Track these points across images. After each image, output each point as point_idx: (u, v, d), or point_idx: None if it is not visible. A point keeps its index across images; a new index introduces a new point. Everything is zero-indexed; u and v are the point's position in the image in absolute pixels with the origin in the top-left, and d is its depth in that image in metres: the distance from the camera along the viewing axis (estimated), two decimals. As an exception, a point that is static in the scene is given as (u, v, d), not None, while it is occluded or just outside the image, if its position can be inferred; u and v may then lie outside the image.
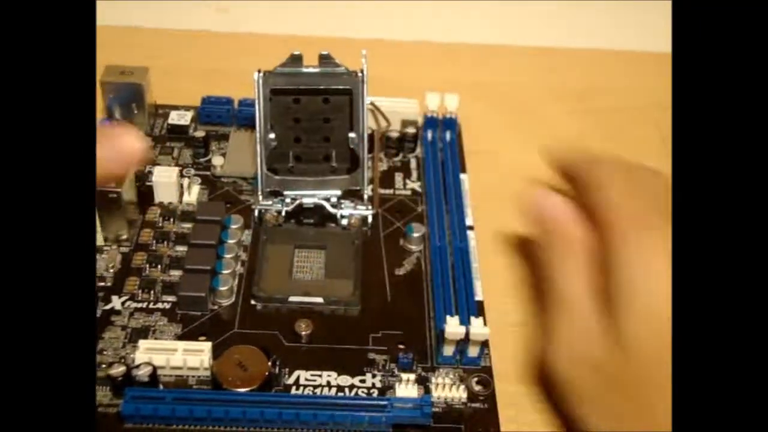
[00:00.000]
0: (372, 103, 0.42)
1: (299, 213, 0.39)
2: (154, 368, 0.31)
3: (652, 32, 0.51)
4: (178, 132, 0.43)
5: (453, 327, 0.32)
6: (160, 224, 0.38)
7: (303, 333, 0.34)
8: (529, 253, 0.38)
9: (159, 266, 0.36)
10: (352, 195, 0.39)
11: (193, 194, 0.39)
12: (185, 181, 0.40)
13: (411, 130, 0.43)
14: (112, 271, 0.36)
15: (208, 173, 0.41)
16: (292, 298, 0.35)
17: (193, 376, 0.32)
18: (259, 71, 0.37)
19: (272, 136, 0.37)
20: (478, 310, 0.34)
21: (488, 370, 0.33)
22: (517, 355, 0.35)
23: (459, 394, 0.32)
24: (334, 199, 0.39)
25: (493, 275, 0.37)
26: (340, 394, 0.32)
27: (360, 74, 0.37)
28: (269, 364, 0.32)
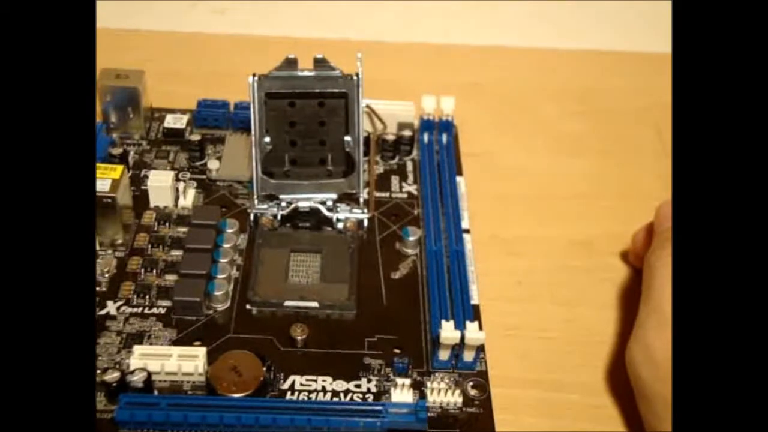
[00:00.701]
0: (368, 106, 0.42)
1: (295, 217, 0.38)
2: (149, 374, 0.31)
3: (651, 33, 0.51)
4: (173, 135, 0.43)
5: (448, 331, 0.32)
6: (156, 228, 0.38)
7: (298, 338, 0.33)
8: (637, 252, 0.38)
9: (154, 271, 0.36)
10: (348, 198, 0.39)
11: (188, 198, 0.39)
12: (181, 185, 0.40)
13: (407, 132, 0.43)
14: (107, 275, 0.36)
15: (203, 177, 0.41)
16: (287, 303, 0.35)
17: (188, 382, 0.32)
18: (253, 75, 0.37)
19: (268, 139, 0.37)
20: (474, 314, 0.34)
21: (484, 375, 0.33)
22: (512, 359, 0.35)
23: (454, 398, 0.32)
24: (329, 203, 0.38)
25: (489, 278, 0.37)
26: (336, 399, 0.32)
27: (355, 77, 0.37)
28: (264, 369, 0.32)
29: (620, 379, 0.34)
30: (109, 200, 0.35)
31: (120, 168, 0.36)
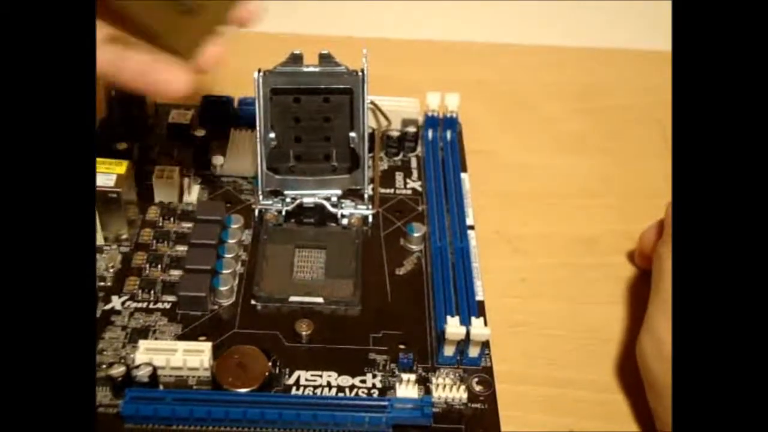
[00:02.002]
0: (372, 102, 0.42)
1: (300, 212, 0.38)
2: (154, 368, 0.31)
3: (655, 30, 0.50)
4: (178, 131, 0.43)
5: (454, 327, 0.32)
6: (161, 224, 0.38)
7: (303, 333, 0.33)
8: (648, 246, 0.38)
9: (159, 266, 0.36)
10: (353, 194, 0.39)
11: (193, 194, 0.39)
12: (185, 181, 0.40)
13: (411, 129, 0.43)
14: (112, 271, 0.36)
15: (208, 172, 0.41)
16: (292, 298, 0.35)
17: (194, 377, 0.32)
18: (259, 71, 0.37)
19: (272, 135, 0.37)
20: (479, 310, 0.34)
21: (489, 371, 0.33)
22: (517, 356, 0.35)
23: (459, 394, 0.32)
24: (334, 199, 0.38)
25: (493, 275, 0.37)
26: (341, 394, 0.32)
27: (360, 73, 0.37)
28: (269, 364, 0.32)
29: (625, 376, 0.35)
30: (114, 195, 0.35)
31: (125, 163, 0.36)
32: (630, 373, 0.34)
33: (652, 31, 0.50)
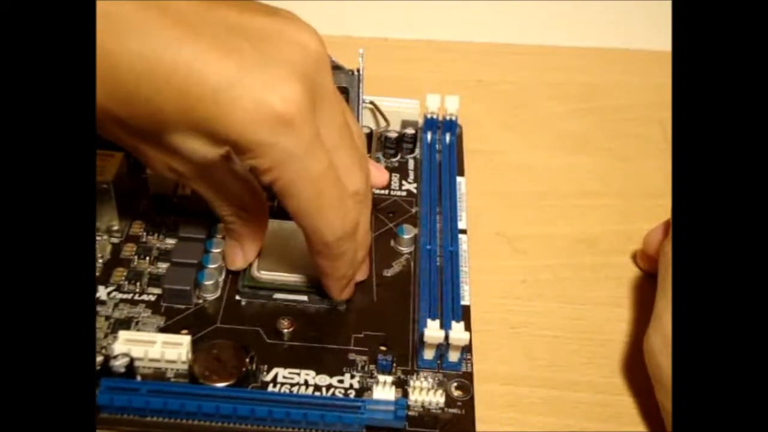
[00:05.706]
0: (372, 103, 0.42)
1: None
2: (132, 359, 0.31)
3: (656, 30, 0.50)
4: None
5: (432, 331, 0.32)
6: (153, 216, 0.38)
7: (285, 330, 0.33)
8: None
9: (147, 258, 0.36)
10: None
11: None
12: (181, 174, 0.40)
13: (410, 130, 0.42)
14: (101, 261, 0.36)
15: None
16: (277, 295, 0.35)
17: (171, 369, 0.32)
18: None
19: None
20: (463, 314, 0.34)
21: (468, 376, 0.32)
22: (518, 358, 0.35)
23: (437, 398, 0.31)
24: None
25: (494, 276, 0.37)
26: (317, 393, 0.31)
27: (356, 73, 0.37)
28: (247, 360, 0.32)
29: (627, 377, 0.34)
30: (106, 186, 0.36)
31: (119, 155, 0.37)
32: (631, 374, 0.34)
33: (652, 31, 0.50)
